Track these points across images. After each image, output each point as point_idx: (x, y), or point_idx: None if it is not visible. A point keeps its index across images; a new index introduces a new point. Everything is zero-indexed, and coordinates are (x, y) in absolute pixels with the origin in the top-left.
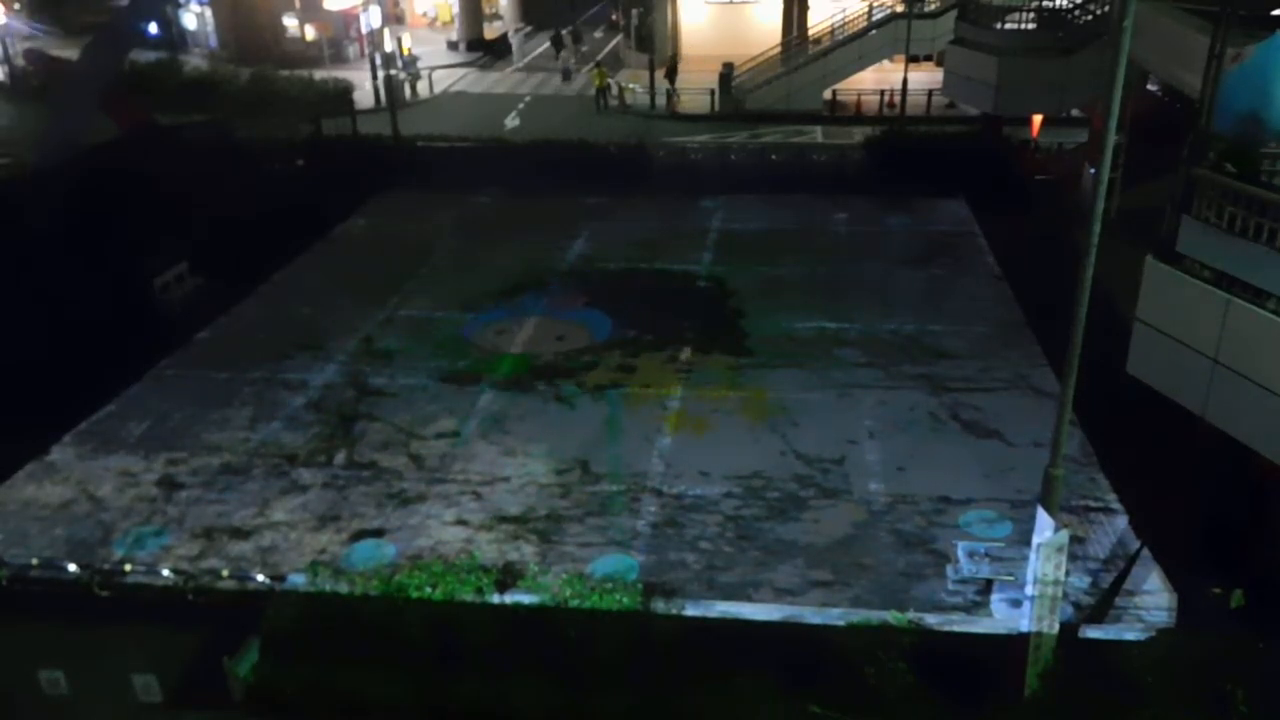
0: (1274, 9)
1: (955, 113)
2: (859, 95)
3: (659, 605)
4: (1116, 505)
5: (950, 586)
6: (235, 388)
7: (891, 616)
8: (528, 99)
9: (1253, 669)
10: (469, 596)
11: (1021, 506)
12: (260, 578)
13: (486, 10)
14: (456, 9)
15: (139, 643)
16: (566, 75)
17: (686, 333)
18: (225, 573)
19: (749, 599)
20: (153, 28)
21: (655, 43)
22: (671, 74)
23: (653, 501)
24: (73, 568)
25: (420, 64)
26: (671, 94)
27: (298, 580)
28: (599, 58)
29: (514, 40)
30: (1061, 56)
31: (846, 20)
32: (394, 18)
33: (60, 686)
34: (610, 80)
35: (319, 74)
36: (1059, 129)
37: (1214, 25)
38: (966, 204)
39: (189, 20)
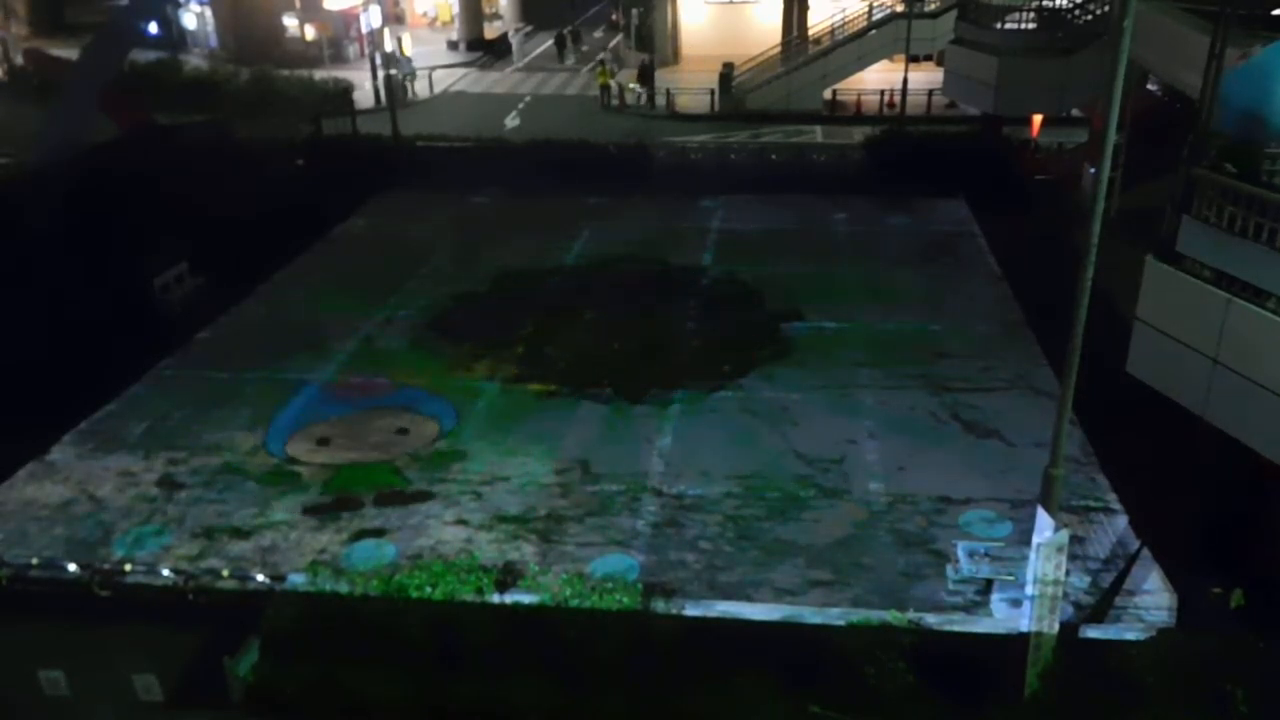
0: (1274, 9)
1: (955, 113)
2: (859, 95)
3: (659, 605)
4: (1116, 505)
5: (950, 586)
6: (235, 388)
7: (891, 616)
8: (528, 99)
9: (1253, 669)
10: (469, 596)
11: (1021, 506)
12: (260, 578)
13: (486, 10)
14: (456, 9)
15: (139, 643)
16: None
17: (686, 333)
18: (225, 573)
19: (749, 599)
20: (153, 28)
21: (655, 42)
22: (645, 77)
23: (653, 501)
24: (73, 568)
25: (419, 64)
26: (642, 96)
27: (298, 580)
28: (601, 56)
29: (514, 40)
30: (1061, 56)
31: (846, 20)
32: (394, 18)
33: (60, 686)
34: (611, 80)
35: (319, 74)
36: (1059, 129)
37: (1214, 25)
38: (966, 204)
39: (189, 20)
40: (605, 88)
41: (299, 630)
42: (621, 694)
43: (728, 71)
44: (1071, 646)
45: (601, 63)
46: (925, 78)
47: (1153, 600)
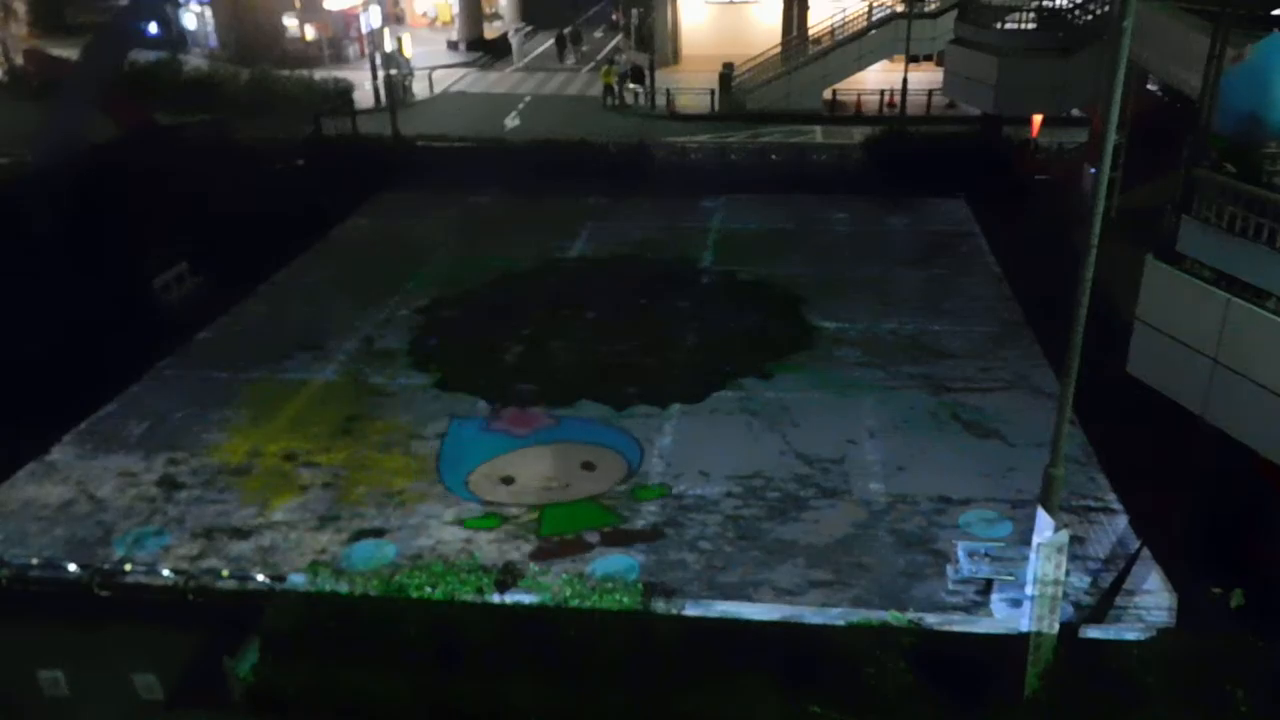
0: (1274, 9)
1: (955, 113)
2: (859, 95)
3: (659, 605)
4: (1116, 505)
5: (950, 586)
6: (235, 388)
7: (891, 616)
8: (528, 99)
9: (1253, 669)
10: (469, 596)
11: (1021, 506)
12: (260, 578)
13: (486, 10)
14: (456, 9)
15: (139, 643)
16: (625, 76)
17: (686, 333)
18: (225, 573)
19: (749, 599)
20: (153, 28)
21: (655, 42)
22: (639, 76)
23: (653, 501)
24: (73, 568)
25: (419, 64)
26: (640, 95)
27: (298, 580)
28: (612, 55)
29: (513, 40)
30: (1061, 56)
31: (846, 20)
32: (394, 18)
33: (60, 686)
34: (614, 80)
35: (319, 74)
36: (1059, 129)
37: (1214, 25)
38: (966, 204)
39: (189, 20)
40: (609, 86)
41: (299, 630)
42: (621, 694)
43: (728, 71)
44: (1071, 646)
45: (611, 61)
46: (925, 78)
47: (1153, 600)
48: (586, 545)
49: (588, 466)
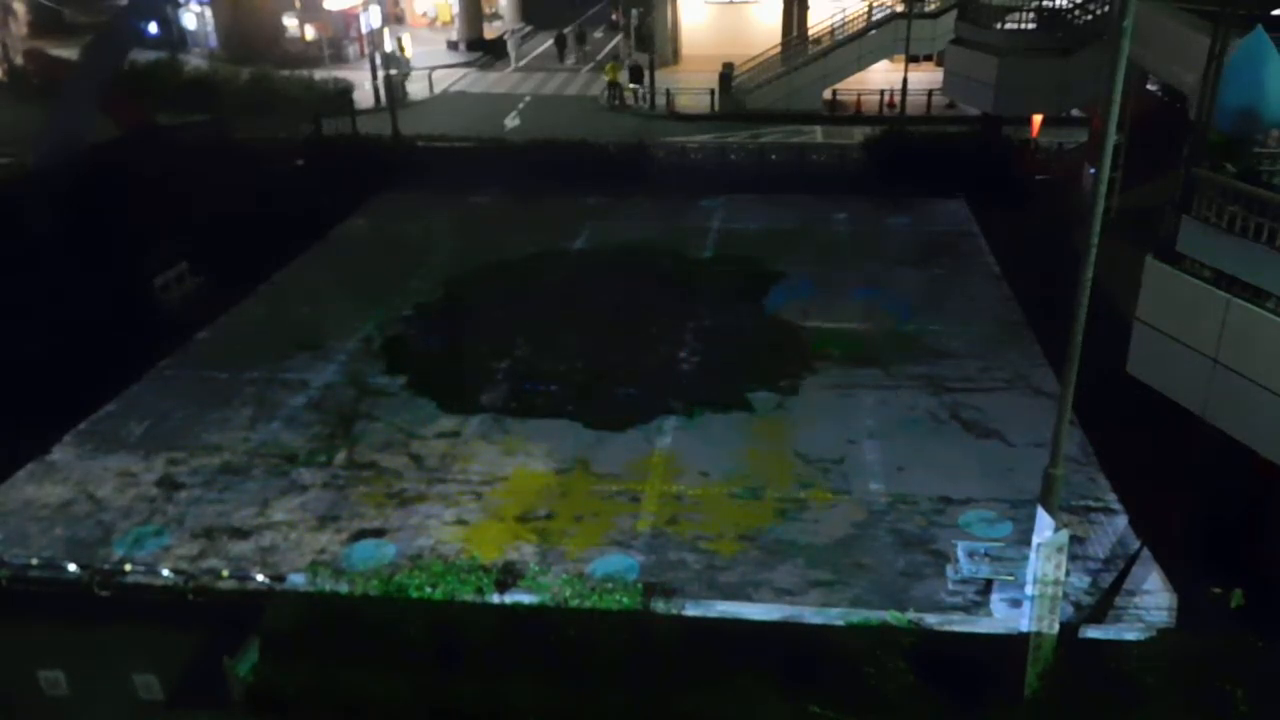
0: (1273, 9)
1: (955, 113)
2: (859, 95)
3: (659, 605)
4: (1116, 505)
5: (950, 586)
6: (235, 388)
7: (891, 616)
8: (528, 99)
9: (1253, 669)
10: (469, 596)
11: (1021, 506)
12: (260, 578)
13: (486, 10)
14: (456, 9)
15: (139, 643)
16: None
17: (686, 332)
18: (225, 573)
19: (749, 599)
20: (153, 28)
21: (655, 42)
22: (638, 76)
23: (653, 501)
24: (73, 568)
25: (419, 64)
26: (640, 94)
27: (298, 580)
28: (615, 55)
29: (510, 41)
30: (1061, 56)
31: (846, 20)
32: (394, 18)
33: (60, 686)
34: (619, 76)
35: (319, 74)
36: (1059, 129)
37: (1213, 25)
38: (966, 204)
39: (189, 20)
40: (614, 84)
41: (299, 630)
42: (621, 694)
43: (728, 71)
44: (1071, 646)
45: (616, 58)
46: (925, 78)
47: (1153, 600)
48: (829, 357)
49: (863, 313)
